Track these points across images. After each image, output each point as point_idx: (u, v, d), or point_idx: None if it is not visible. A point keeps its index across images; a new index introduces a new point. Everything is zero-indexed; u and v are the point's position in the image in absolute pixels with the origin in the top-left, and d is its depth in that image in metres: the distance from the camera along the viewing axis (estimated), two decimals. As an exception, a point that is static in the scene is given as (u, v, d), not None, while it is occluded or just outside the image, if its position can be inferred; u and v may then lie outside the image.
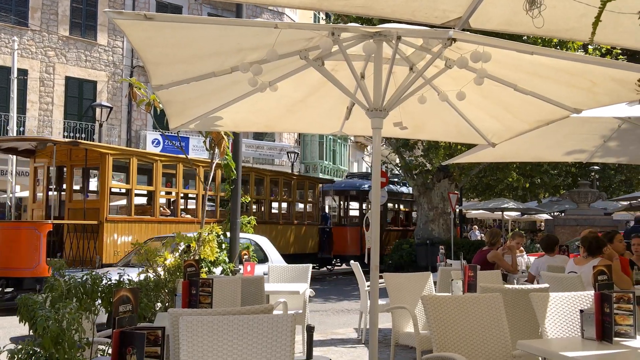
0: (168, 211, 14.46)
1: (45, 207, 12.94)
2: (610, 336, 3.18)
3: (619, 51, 14.25)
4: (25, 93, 22.87)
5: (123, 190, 14.35)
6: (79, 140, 14.07)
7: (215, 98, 4.79)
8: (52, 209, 12.15)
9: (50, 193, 13.02)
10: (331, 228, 21.64)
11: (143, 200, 14.86)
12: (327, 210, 23.87)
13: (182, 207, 15.52)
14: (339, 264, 21.81)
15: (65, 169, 13.16)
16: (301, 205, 20.04)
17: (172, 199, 15.25)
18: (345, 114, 5.24)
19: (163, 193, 14.77)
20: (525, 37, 12.06)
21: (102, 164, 12.26)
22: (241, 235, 8.30)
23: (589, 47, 14.61)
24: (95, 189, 13.56)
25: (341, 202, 23.32)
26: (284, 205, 19.02)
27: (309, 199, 20.09)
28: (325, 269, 21.22)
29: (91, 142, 15.73)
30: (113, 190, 13.41)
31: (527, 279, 7.69)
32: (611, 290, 3.36)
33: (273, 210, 18.37)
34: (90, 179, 14.07)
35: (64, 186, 13.49)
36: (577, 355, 2.97)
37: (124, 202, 14.75)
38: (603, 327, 3.22)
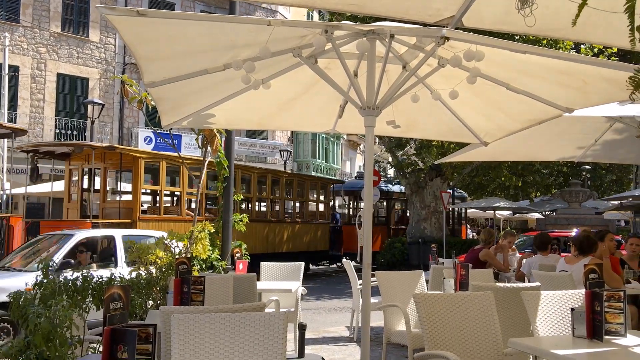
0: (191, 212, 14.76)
1: (80, 206, 13.56)
2: (600, 334, 3.19)
3: (611, 52, 14.31)
4: (17, 90, 22.73)
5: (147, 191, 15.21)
6: (115, 145, 14.68)
7: (208, 95, 4.77)
8: (91, 208, 12.57)
9: (85, 193, 13.90)
10: (341, 226, 22.31)
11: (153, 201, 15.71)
12: (337, 209, 24.88)
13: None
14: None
15: (99, 171, 13.78)
16: (314, 205, 20.88)
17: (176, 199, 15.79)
18: (338, 112, 5.24)
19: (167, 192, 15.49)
20: (518, 37, 12.10)
21: (135, 167, 12.98)
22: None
23: (582, 46, 14.68)
24: (129, 190, 14.30)
25: (350, 202, 24.19)
26: (297, 204, 20.17)
27: (321, 199, 20.85)
28: (335, 265, 21.90)
29: (126, 147, 17.13)
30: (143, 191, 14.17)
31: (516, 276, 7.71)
32: (602, 288, 3.38)
33: (288, 210, 19.62)
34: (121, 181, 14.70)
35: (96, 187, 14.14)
36: (567, 353, 2.98)
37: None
38: (594, 325, 3.23)
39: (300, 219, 19.12)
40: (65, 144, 14.17)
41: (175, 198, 16.17)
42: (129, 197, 13.62)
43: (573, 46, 14.73)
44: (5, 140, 17.31)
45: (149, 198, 15.94)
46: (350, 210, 24.08)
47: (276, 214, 18.01)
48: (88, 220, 11.60)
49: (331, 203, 22.55)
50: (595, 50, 14.22)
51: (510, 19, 3.49)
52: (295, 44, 3.94)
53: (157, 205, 14.26)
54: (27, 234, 11.88)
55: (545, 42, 13.45)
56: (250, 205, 16.76)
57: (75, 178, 14.17)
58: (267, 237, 17.12)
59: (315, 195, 20.54)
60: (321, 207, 21.06)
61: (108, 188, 14.66)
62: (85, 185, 13.86)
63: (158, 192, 14.20)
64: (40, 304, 3.32)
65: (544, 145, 7.32)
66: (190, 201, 14.68)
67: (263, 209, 18.48)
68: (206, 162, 7.91)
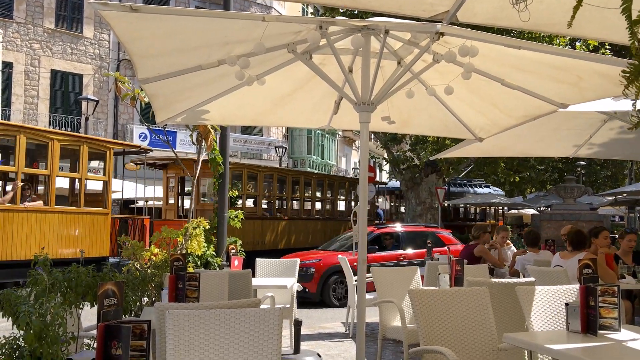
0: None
1: (176, 209, 16.04)
2: (595, 329, 3.20)
3: (606, 49, 14.34)
4: (10, 86, 22.64)
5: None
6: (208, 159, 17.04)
7: (202, 91, 4.75)
8: (191, 212, 13.64)
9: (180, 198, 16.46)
10: (386, 221, 23.59)
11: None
12: (379, 207, 27.45)
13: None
14: None
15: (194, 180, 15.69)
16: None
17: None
18: (333, 108, 5.23)
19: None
20: (514, 33, 12.10)
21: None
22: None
23: (577, 43, 14.70)
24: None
25: (392, 200, 27.92)
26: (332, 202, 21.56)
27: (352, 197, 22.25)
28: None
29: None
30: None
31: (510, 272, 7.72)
32: (596, 283, 3.38)
33: (327, 207, 21.04)
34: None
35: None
36: (562, 347, 2.99)
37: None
38: (588, 320, 3.24)
39: (330, 216, 20.64)
40: (172, 158, 15.48)
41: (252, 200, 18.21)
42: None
43: (568, 43, 14.74)
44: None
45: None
46: (391, 207, 27.70)
47: (314, 212, 20.04)
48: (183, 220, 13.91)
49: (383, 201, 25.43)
50: (590, 47, 14.25)
51: (504, 14, 3.49)
52: (290, 39, 3.93)
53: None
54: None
55: (539, 36, 13.47)
56: (287, 205, 18.58)
57: (172, 184, 16.56)
58: (311, 232, 18.84)
59: (344, 195, 22.15)
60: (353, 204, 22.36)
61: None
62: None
63: (242, 196, 16.31)
64: (34, 302, 3.31)
65: (539, 141, 7.33)
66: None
67: (307, 207, 20.45)
68: (201, 159, 7.90)
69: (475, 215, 29.96)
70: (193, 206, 8.17)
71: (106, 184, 12.23)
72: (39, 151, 11.40)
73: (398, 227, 13.44)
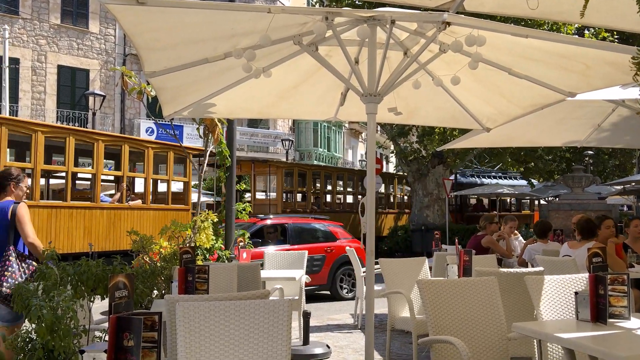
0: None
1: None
2: (604, 317, 3.20)
3: (613, 38, 14.22)
4: (17, 82, 22.72)
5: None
6: (270, 158, 21.20)
7: (209, 85, 4.76)
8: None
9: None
10: None
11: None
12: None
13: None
14: None
15: (248, 177, 17.96)
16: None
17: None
18: (340, 100, 5.23)
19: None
20: (523, 23, 12.03)
21: (278, 174, 18.11)
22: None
23: (585, 32, 14.60)
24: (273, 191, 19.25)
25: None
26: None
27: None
28: None
29: (272, 160, 21.81)
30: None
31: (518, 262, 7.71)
32: (606, 272, 3.37)
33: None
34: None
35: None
36: (571, 336, 2.99)
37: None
38: (597, 308, 3.24)
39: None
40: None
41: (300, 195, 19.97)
42: (273, 195, 18.58)
43: (575, 32, 14.63)
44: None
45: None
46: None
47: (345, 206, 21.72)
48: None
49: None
50: (599, 37, 14.14)
51: (512, 2, 3.47)
52: (296, 31, 3.93)
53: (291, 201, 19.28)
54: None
55: (545, 27, 13.38)
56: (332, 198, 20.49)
57: None
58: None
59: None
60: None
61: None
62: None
63: (293, 192, 19.08)
64: (44, 295, 3.33)
65: (546, 131, 7.30)
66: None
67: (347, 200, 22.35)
68: (208, 152, 7.92)
69: (499, 206, 28.53)
70: (201, 199, 8.20)
71: (187, 185, 14.44)
72: (137, 157, 13.76)
73: (284, 219, 11.87)
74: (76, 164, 12.61)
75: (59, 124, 17.81)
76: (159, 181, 14.76)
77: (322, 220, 12.57)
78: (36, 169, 10.58)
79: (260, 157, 23.62)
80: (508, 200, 29.24)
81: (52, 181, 14.46)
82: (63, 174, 12.14)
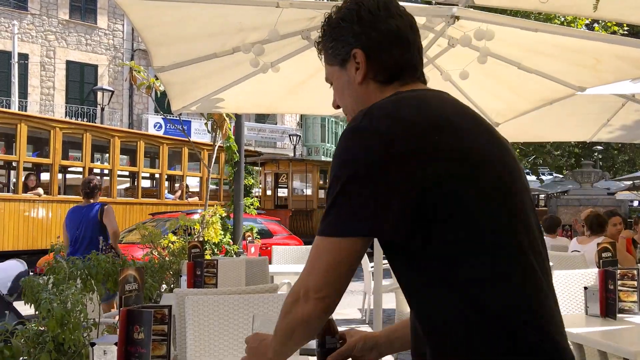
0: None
1: (274, 199, 20.26)
2: (614, 313, 3.18)
3: (624, 31, 14.12)
4: (27, 77, 22.82)
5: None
6: (303, 158, 22.70)
7: (217, 79, 4.77)
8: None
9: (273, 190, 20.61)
10: None
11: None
12: None
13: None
14: None
15: (285, 175, 20.45)
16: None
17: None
18: (348, 95, 5.21)
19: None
20: (533, 16, 11.95)
21: (313, 172, 19.67)
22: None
23: (595, 25, 14.50)
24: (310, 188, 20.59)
25: None
26: None
27: None
28: None
29: (306, 158, 23.90)
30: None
31: None
32: (615, 267, 3.36)
33: None
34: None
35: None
36: (581, 331, 2.98)
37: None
38: (607, 303, 3.22)
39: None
40: (269, 158, 20.44)
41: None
42: (309, 192, 19.99)
43: (584, 27, 14.54)
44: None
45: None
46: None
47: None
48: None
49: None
50: (609, 31, 14.05)
51: (521, -3, 3.45)
52: (304, 26, 3.92)
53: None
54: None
55: (557, 21, 13.30)
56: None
57: (269, 179, 20.61)
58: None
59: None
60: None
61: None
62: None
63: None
64: (54, 289, 3.36)
65: (555, 126, 7.26)
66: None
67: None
68: (216, 147, 7.93)
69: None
70: (207, 194, 8.23)
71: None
72: (194, 158, 14.35)
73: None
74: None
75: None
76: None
77: (258, 215, 11.65)
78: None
79: (289, 156, 24.68)
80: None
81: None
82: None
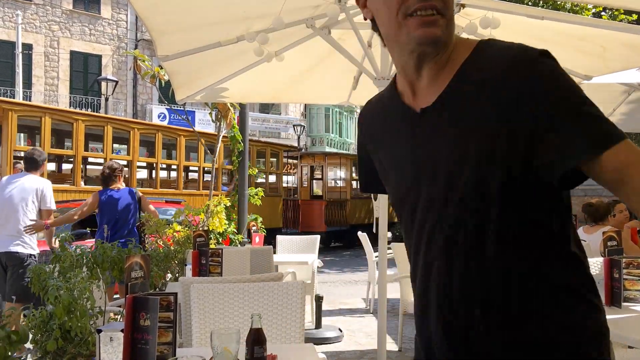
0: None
1: (310, 190, 21.68)
2: (619, 301, 3.19)
3: (631, 19, 14.02)
4: (31, 68, 22.82)
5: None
6: (340, 152, 24.69)
7: (222, 68, 4.76)
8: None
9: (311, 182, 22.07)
10: None
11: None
12: None
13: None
14: None
15: (322, 168, 21.26)
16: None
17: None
18: (353, 84, 5.21)
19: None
20: (542, 4, 11.88)
21: (346, 165, 20.92)
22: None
23: (602, 14, 14.42)
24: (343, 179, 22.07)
25: None
26: None
27: None
28: None
29: (340, 152, 25.68)
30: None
31: None
32: (620, 255, 3.36)
33: None
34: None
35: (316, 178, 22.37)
36: (585, 320, 2.98)
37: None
38: (612, 292, 3.22)
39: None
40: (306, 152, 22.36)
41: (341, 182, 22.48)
42: (343, 184, 21.46)
43: (591, 16, 14.45)
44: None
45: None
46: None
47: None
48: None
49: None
50: (617, 20, 13.97)
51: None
52: (309, 14, 3.91)
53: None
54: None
55: (562, 6, 13.22)
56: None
57: (305, 172, 21.89)
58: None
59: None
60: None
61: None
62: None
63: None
64: (60, 277, 3.38)
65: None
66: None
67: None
68: (220, 136, 7.93)
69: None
70: (214, 184, 8.24)
71: (279, 177, 17.90)
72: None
73: None
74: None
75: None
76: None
77: (179, 204, 10.56)
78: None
79: (325, 150, 25.73)
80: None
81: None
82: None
